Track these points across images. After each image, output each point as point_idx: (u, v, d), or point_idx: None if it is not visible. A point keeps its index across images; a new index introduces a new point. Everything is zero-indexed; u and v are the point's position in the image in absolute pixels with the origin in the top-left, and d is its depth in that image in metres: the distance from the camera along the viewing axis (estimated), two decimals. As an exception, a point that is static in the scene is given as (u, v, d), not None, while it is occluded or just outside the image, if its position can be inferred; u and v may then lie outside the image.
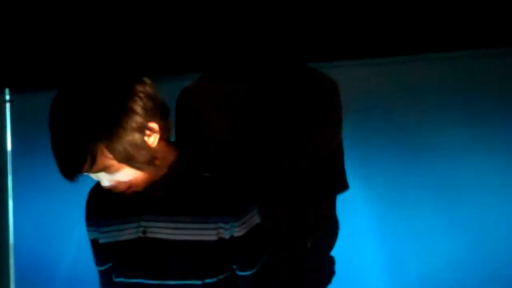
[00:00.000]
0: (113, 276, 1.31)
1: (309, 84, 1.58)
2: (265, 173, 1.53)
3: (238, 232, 1.25)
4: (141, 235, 1.23)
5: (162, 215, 1.24)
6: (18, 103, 2.18)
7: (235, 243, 1.25)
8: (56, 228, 2.15)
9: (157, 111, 1.17)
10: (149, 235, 1.23)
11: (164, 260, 1.23)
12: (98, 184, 1.35)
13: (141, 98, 1.14)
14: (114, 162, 1.12)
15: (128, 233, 1.25)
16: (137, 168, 1.16)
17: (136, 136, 1.12)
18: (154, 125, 1.16)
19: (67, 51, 2.08)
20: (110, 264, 1.34)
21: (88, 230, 1.37)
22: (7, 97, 2.17)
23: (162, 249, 1.23)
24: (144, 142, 1.15)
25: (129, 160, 1.12)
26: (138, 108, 1.12)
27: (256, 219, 1.29)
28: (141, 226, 1.23)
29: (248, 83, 1.58)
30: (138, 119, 1.12)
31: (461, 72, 1.62)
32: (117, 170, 1.15)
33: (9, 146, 2.17)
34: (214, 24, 1.65)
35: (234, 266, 1.28)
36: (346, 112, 1.53)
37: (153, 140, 1.17)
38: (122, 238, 1.26)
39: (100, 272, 1.40)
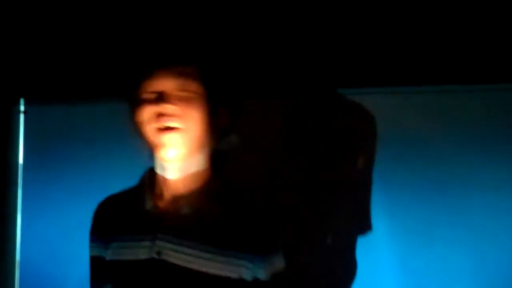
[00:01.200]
0: None
1: (345, 113, 1.55)
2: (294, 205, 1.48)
3: (263, 274, 1.12)
4: (154, 256, 1.12)
5: (182, 238, 1.11)
6: (33, 114, 2.11)
7: (257, 286, 1.12)
8: (65, 246, 2.05)
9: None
10: (163, 257, 1.11)
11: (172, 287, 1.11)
12: (109, 197, 1.27)
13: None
14: (194, 84, 1.08)
15: (140, 252, 1.13)
16: (199, 120, 1.09)
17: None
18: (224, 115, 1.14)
19: (83, 64, 2.02)
20: (108, 286, 1.20)
21: (91, 246, 1.27)
22: (22, 108, 2.09)
23: (174, 276, 1.10)
24: (213, 117, 1.12)
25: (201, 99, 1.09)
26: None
27: (281, 262, 1.16)
28: (156, 246, 1.12)
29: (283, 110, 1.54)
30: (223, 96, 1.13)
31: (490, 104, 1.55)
32: (188, 101, 1.08)
33: (21, 159, 2.09)
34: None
35: None
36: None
37: (215, 125, 1.13)
38: (131, 257, 1.14)
39: None
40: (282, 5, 1.66)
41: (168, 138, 1.08)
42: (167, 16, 1.73)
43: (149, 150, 1.21)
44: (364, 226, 1.58)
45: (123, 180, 1.90)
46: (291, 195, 1.56)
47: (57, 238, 2.06)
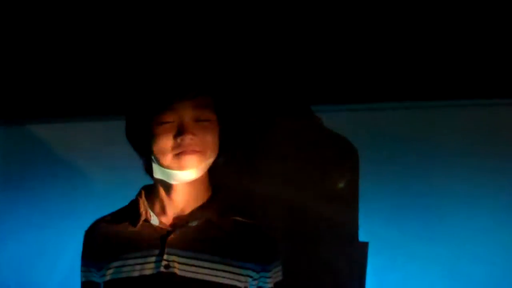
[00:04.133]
0: None
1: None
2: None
3: (267, 284, 1.20)
4: (162, 269, 1.15)
5: (190, 251, 1.16)
6: (1, 133, 2.07)
7: None
8: (38, 267, 2.02)
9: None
10: (172, 270, 1.15)
11: None
12: (98, 221, 1.29)
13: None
14: (208, 113, 1.15)
15: (147, 267, 1.16)
16: (214, 144, 1.17)
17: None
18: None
19: (57, 83, 2.01)
20: None
21: (83, 271, 1.26)
22: (-9, 130, 2.05)
23: (184, 287, 1.14)
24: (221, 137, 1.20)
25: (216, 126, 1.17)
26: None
27: (281, 275, 1.25)
28: (164, 260, 1.15)
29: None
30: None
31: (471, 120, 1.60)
32: (204, 129, 1.14)
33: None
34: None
35: None
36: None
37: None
38: (136, 274, 1.16)
39: None
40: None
41: (188, 161, 1.13)
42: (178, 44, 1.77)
43: (148, 167, 1.24)
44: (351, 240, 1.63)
45: (97, 199, 1.92)
46: (280, 209, 1.60)
47: (30, 258, 2.02)
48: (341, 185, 1.64)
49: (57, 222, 1.99)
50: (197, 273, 1.15)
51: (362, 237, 1.63)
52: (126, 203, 1.32)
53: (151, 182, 1.31)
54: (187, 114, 1.12)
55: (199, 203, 1.21)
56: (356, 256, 1.61)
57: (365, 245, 1.61)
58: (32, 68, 2.02)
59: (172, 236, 1.17)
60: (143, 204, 1.23)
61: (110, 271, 1.19)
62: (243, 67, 1.69)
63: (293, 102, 1.69)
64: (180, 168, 1.13)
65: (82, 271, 1.27)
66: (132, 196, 1.36)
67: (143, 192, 1.26)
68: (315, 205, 1.62)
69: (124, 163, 1.87)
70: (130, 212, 1.24)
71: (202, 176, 1.20)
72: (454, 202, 1.58)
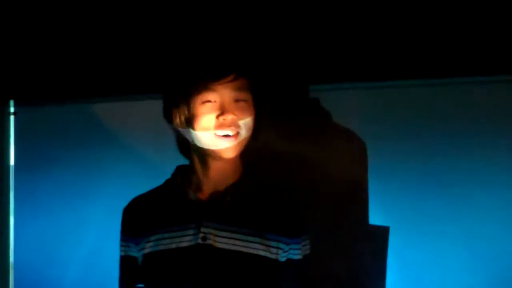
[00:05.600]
0: None
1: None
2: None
3: (296, 255, 1.27)
4: (200, 241, 1.21)
5: (226, 224, 1.23)
6: (23, 116, 2.10)
7: (291, 266, 1.26)
8: (58, 247, 2.06)
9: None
10: (208, 242, 1.21)
11: (220, 270, 1.20)
12: (138, 198, 1.35)
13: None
14: (247, 94, 1.21)
15: (185, 240, 1.23)
16: (251, 125, 1.23)
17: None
18: None
19: (74, 64, 2.04)
20: (141, 286, 1.30)
21: (122, 245, 1.34)
22: (12, 109, 2.08)
23: (220, 258, 1.21)
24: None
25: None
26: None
27: (309, 248, 1.31)
28: (201, 233, 1.21)
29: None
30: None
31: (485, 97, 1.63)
32: (242, 109, 1.20)
33: (12, 161, 2.08)
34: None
35: None
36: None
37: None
38: (174, 246, 1.23)
39: None
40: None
41: (226, 144, 1.20)
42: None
43: (184, 145, 1.29)
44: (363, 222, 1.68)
45: (116, 180, 1.97)
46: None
47: (50, 239, 2.06)
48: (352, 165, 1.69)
49: (76, 204, 2.04)
50: (232, 244, 1.21)
51: (376, 218, 1.69)
52: (147, 184, 1.38)
53: (169, 163, 1.37)
54: (228, 94, 1.18)
55: (233, 179, 1.26)
56: (377, 241, 1.67)
57: (386, 229, 1.67)
58: (60, 48, 2.05)
59: (208, 210, 1.23)
60: (180, 181, 1.29)
61: (149, 244, 1.25)
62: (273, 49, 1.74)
63: (306, 81, 1.74)
64: (220, 149, 1.20)
65: (121, 245, 1.34)
66: (152, 177, 1.42)
67: (178, 171, 1.33)
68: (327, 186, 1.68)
69: (143, 144, 1.95)
70: (168, 189, 1.31)
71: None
72: (471, 180, 1.63)
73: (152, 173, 1.56)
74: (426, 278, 1.66)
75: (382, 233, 1.68)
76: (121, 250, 1.34)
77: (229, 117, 1.17)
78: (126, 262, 1.33)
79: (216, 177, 1.26)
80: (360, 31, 1.73)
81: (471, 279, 1.62)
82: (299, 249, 1.27)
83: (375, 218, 1.69)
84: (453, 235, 1.64)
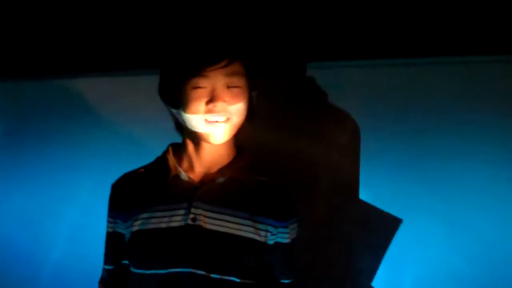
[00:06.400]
0: (136, 270, 1.24)
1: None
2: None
3: (285, 239, 1.28)
4: (189, 222, 1.21)
5: (216, 205, 1.22)
6: (6, 90, 2.07)
7: (279, 249, 1.27)
8: (42, 221, 2.06)
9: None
10: (198, 222, 1.21)
11: (209, 251, 1.20)
12: (127, 174, 1.34)
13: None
14: (240, 80, 1.19)
15: (174, 220, 1.22)
16: (244, 110, 1.21)
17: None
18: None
19: (56, 40, 2.02)
20: (126, 262, 1.30)
21: (109, 222, 1.32)
22: (-5, 83, 2.05)
23: (209, 239, 1.21)
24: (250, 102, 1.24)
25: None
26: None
27: (296, 232, 1.32)
28: (191, 213, 1.21)
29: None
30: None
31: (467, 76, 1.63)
32: (235, 95, 1.18)
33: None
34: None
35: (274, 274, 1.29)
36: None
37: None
38: (164, 225, 1.22)
39: (109, 271, 1.34)
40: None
41: (217, 130, 1.19)
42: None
43: (179, 125, 1.29)
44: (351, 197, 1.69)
45: (99, 155, 1.95)
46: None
47: (34, 214, 2.06)
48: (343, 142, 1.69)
49: (63, 176, 2.03)
50: (222, 226, 1.21)
51: (363, 195, 1.70)
52: (134, 160, 1.36)
53: (156, 140, 1.38)
54: (220, 80, 1.16)
55: (225, 161, 1.26)
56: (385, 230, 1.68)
57: (398, 221, 1.68)
58: (45, 23, 2.02)
59: (199, 191, 1.23)
60: (171, 160, 1.27)
61: (138, 222, 1.24)
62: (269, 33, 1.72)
63: (297, 59, 1.73)
64: (209, 135, 1.19)
65: (108, 221, 1.32)
66: (140, 153, 1.41)
67: (170, 149, 1.31)
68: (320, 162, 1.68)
69: (130, 119, 1.93)
70: (158, 167, 1.29)
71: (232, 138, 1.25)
72: (454, 158, 1.64)
73: (140, 150, 1.56)
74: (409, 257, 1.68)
75: (393, 224, 1.68)
76: (108, 227, 1.32)
77: (219, 104, 1.16)
78: (113, 239, 1.32)
79: (208, 159, 1.26)
80: (354, 8, 1.72)
81: (453, 257, 1.64)
82: (287, 232, 1.28)
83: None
84: (435, 217, 1.65)
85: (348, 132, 1.70)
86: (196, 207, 1.21)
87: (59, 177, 2.04)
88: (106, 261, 1.35)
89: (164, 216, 1.22)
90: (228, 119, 1.19)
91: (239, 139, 1.30)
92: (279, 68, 1.73)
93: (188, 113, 1.18)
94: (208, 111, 1.17)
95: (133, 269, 1.23)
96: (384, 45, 1.70)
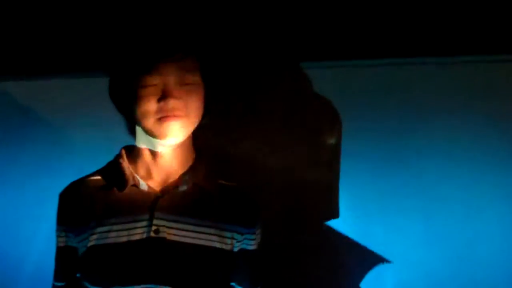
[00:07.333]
0: (93, 287, 1.15)
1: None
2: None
3: (251, 246, 1.23)
4: (152, 234, 1.15)
5: (178, 215, 1.16)
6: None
7: (245, 257, 1.22)
8: (21, 225, 2.02)
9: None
10: (162, 235, 1.15)
11: (173, 264, 1.14)
12: (75, 183, 1.25)
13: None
14: (194, 76, 1.13)
15: (135, 232, 1.15)
16: (199, 108, 1.15)
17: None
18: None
19: (41, 39, 1.95)
20: (78, 275, 1.21)
21: (59, 236, 1.23)
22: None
23: (174, 252, 1.14)
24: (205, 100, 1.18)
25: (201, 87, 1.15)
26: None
27: (261, 237, 1.27)
28: (154, 225, 1.15)
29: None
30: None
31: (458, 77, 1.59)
32: (189, 93, 1.12)
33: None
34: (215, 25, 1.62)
35: (233, 284, 1.24)
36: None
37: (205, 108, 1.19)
38: (124, 239, 1.14)
39: None
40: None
41: (170, 127, 1.11)
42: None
43: (132, 129, 1.23)
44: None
45: (80, 159, 1.91)
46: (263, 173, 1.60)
47: (14, 217, 2.02)
48: (323, 145, 1.64)
49: (36, 180, 1.99)
50: (187, 237, 1.16)
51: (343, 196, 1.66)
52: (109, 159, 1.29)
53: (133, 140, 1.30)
54: (172, 77, 1.09)
55: (185, 167, 1.20)
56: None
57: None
58: (11, 25, 1.96)
59: (161, 200, 1.17)
60: (127, 167, 1.20)
61: (95, 236, 1.17)
62: (228, 28, 1.65)
63: (275, 60, 1.67)
64: (162, 133, 1.11)
65: (58, 236, 1.24)
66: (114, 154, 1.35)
67: (124, 154, 1.23)
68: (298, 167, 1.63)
69: (104, 120, 1.88)
70: (113, 174, 1.22)
71: (186, 139, 1.18)
72: (435, 159, 1.61)
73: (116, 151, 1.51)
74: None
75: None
76: (58, 241, 1.24)
77: (170, 102, 1.09)
78: (64, 254, 1.24)
79: (166, 164, 1.19)
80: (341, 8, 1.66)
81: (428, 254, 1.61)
82: (254, 239, 1.23)
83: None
84: (411, 211, 1.62)
85: (327, 133, 1.65)
86: (158, 218, 1.15)
87: (36, 178, 2.00)
88: (57, 278, 1.27)
89: (124, 229, 1.15)
90: (181, 117, 1.11)
91: (198, 143, 1.25)
92: (236, 69, 1.67)
93: (138, 113, 1.11)
94: (159, 110, 1.09)
95: (90, 286, 1.16)
96: (374, 45, 1.64)
